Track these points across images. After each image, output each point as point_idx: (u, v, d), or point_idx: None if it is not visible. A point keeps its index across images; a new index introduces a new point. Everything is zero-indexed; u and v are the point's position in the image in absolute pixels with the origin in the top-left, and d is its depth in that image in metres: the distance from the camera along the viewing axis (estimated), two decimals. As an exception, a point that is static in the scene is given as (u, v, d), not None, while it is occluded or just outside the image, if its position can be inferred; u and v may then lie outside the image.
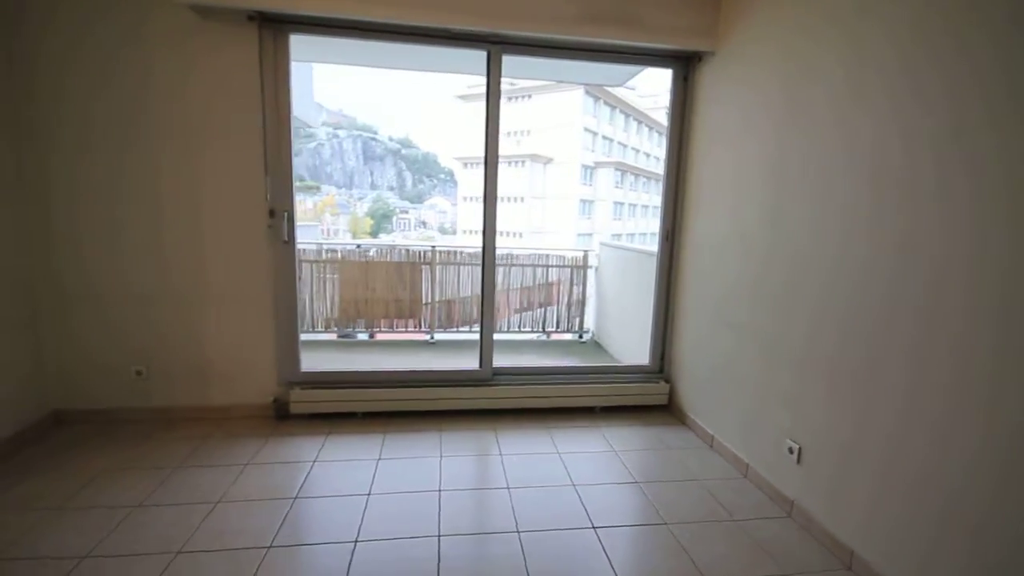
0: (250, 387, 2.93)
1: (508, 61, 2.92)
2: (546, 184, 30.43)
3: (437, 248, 4.82)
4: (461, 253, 4.87)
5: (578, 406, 3.15)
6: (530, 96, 30.06)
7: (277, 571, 1.73)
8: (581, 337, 5.16)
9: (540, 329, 5.14)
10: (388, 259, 4.80)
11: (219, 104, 2.67)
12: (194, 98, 2.65)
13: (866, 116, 1.82)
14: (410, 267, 4.80)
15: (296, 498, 2.16)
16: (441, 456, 2.57)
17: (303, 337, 4.64)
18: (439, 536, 1.94)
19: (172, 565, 1.74)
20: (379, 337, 4.87)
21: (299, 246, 2.93)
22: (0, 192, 2.45)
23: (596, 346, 4.88)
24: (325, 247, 4.78)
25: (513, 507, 2.16)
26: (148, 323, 2.80)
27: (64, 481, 2.22)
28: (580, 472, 2.46)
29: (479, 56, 2.87)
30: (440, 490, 2.26)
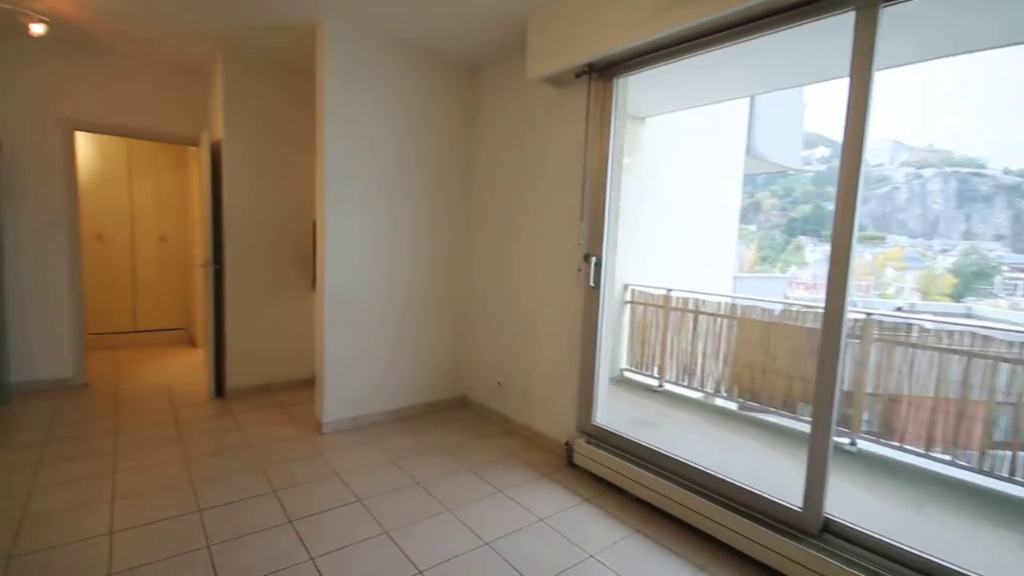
0: (556, 422, 3.04)
1: (901, 16, 1.76)
2: None
3: (875, 317, 3.27)
4: (920, 329, 3.11)
5: None
6: None
7: (400, 598, 1.77)
8: None
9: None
10: (799, 324, 3.68)
11: (561, 159, 2.94)
12: (548, 155, 3.04)
13: None
14: (828, 338, 3.48)
15: (482, 546, 2.10)
16: (655, 601, 1.81)
17: (673, 389, 4.30)
18: None
19: (375, 539, 2.10)
20: (771, 419, 3.78)
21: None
22: (452, 240, 3.65)
23: None
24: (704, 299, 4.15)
25: None
26: (501, 346, 3.42)
27: (413, 443, 3.06)
28: None
29: (842, 28, 1.84)
30: (598, 641, 1.62)
